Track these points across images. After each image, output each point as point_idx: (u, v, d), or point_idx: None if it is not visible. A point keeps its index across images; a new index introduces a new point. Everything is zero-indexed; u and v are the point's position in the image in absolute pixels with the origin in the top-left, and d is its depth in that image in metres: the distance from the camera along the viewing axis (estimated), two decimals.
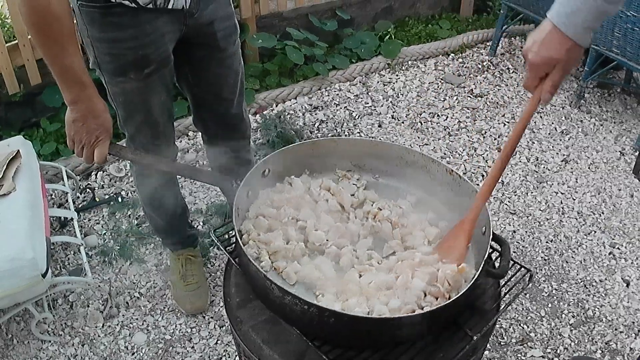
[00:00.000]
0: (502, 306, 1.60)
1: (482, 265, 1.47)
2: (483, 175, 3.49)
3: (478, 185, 3.36)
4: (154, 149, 2.28)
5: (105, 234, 3.11)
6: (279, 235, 1.66)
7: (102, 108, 1.81)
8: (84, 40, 1.99)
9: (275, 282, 1.42)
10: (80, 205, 3.26)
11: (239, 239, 1.56)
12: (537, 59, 1.44)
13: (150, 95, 2.12)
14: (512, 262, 1.68)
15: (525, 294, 2.80)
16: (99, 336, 2.64)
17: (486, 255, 1.51)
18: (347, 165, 1.92)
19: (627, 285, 2.86)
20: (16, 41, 3.25)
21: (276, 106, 4.07)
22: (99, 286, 2.79)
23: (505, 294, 1.64)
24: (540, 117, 3.99)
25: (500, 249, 1.64)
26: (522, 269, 1.71)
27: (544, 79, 1.48)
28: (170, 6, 1.93)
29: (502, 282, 1.67)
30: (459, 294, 1.43)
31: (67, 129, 1.81)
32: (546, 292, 2.82)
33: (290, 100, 4.13)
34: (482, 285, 1.64)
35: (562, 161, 3.62)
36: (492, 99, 4.16)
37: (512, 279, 1.67)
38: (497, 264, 1.67)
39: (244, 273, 1.61)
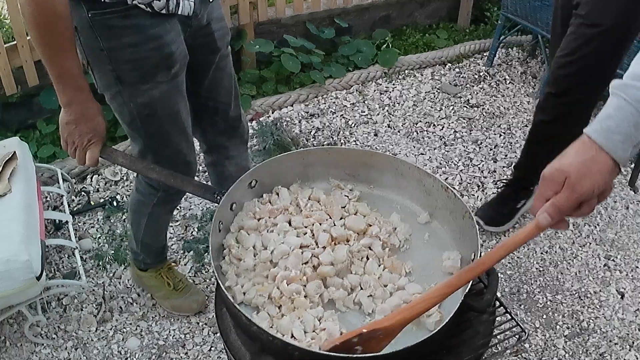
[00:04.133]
0: (479, 358, 1.55)
1: (457, 307, 1.42)
2: (478, 186, 3.49)
3: (473, 195, 3.37)
4: (186, 163, 2.21)
5: (99, 237, 3.09)
6: (250, 252, 1.64)
7: (95, 111, 1.82)
8: (95, 58, 1.88)
9: (243, 312, 1.41)
10: (75, 209, 3.24)
11: (212, 258, 1.55)
12: (547, 170, 1.17)
13: (178, 99, 2.05)
14: (510, 317, 1.64)
15: (520, 305, 2.81)
16: (92, 340, 2.62)
17: (468, 287, 1.45)
18: (341, 174, 1.88)
19: (622, 297, 2.87)
20: (15, 42, 3.24)
21: (272, 113, 4.07)
22: (93, 290, 2.78)
23: (492, 346, 1.59)
24: None
25: (487, 280, 1.59)
26: (517, 326, 1.64)
27: None
28: (179, 12, 1.89)
29: (494, 331, 1.62)
30: (432, 333, 1.40)
31: (61, 130, 1.83)
32: (541, 304, 2.82)
33: (286, 107, 4.13)
34: (469, 332, 1.59)
35: None
36: (488, 109, 4.17)
37: (506, 332, 1.63)
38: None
39: (217, 292, 1.62)
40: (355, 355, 1.35)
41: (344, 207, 1.80)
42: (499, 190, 3.30)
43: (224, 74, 2.26)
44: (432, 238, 1.75)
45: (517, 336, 1.59)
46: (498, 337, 1.62)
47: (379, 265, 1.65)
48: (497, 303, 1.63)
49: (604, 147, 1.10)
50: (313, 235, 1.69)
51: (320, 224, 1.72)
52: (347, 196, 1.85)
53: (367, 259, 1.66)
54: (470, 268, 1.33)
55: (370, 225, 1.74)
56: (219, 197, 1.66)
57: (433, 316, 1.50)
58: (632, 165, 3.58)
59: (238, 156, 2.50)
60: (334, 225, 1.73)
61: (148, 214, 2.41)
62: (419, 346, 1.36)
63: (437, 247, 1.71)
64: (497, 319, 1.64)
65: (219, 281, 1.49)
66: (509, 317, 1.63)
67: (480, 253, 1.51)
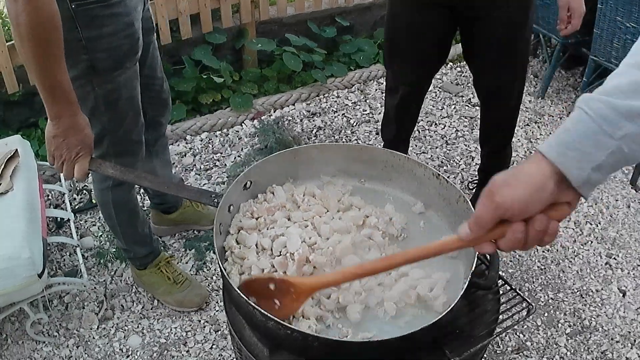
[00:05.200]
0: (492, 335, 1.57)
1: (464, 287, 1.43)
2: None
3: (468, 192, 3.37)
4: (139, 142, 2.33)
5: (101, 235, 3.09)
6: (253, 251, 1.64)
7: (83, 124, 1.79)
8: (70, 48, 1.84)
9: (257, 307, 1.40)
10: (76, 207, 3.25)
11: (218, 259, 1.54)
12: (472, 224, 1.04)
13: (136, 82, 2.18)
14: (515, 293, 1.66)
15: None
16: (93, 338, 2.62)
17: (474, 266, 1.47)
18: (331, 171, 1.89)
19: (623, 295, 2.86)
20: None
21: (274, 112, 4.07)
22: (95, 288, 2.78)
23: (501, 322, 1.61)
24: (538, 127, 4.00)
25: (488, 259, 1.61)
26: (524, 301, 1.66)
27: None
28: None
29: (501, 308, 1.64)
30: (444, 312, 1.40)
31: (48, 144, 1.80)
32: (542, 302, 2.82)
33: (288, 106, 4.13)
34: (478, 310, 1.61)
35: None
36: None
37: (512, 308, 1.65)
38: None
39: (227, 293, 1.61)
40: (370, 340, 1.40)
41: (339, 201, 1.81)
42: (474, 192, 3.33)
43: (157, 52, 2.42)
44: (428, 225, 1.76)
45: (526, 309, 1.61)
46: (507, 312, 1.64)
47: (381, 254, 1.65)
48: (501, 281, 1.66)
49: (555, 162, 0.94)
50: (314, 227, 1.69)
51: (320, 217, 1.72)
52: (340, 190, 1.86)
53: (369, 249, 1.66)
54: (384, 258, 1.34)
55: (368, 217, 1.74)
56: (216, 200, 1.66)
57: (440, 298, 1.51)
58: (634, 165, 3.58)
59: (164, 136, 2.70)
60: (333, 218, 1.73)
61: (112, 200, 2.45)
62: (432, 327, 1.37)
63: (434, 234, 1.72)
64: (502, 297, 1.67)
65: (229, 282, 1.48)
66: (515, 293, 1.65)
67: None
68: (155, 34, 2.40)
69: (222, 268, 1.54)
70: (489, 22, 2.53)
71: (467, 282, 1.43)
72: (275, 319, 1.38)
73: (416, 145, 3.79)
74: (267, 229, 1.69)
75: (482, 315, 1.60)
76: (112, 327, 2.67)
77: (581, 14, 2.65)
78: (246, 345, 1.56)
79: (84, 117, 1.80)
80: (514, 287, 1.66)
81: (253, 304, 1.40)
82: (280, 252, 1.62)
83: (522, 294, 1.66)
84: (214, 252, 2.91)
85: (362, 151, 1.87)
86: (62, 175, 3.07)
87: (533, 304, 1.60)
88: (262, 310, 1.39)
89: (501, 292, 1.66)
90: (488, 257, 1.62)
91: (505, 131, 3.01)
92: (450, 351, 1.47)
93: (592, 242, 3.15)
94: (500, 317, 1.64)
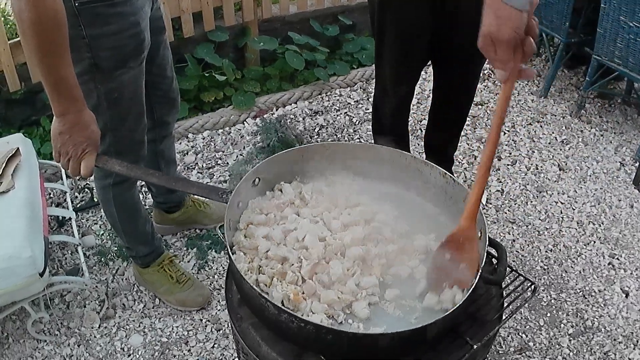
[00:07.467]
0: (504, 317, 1.59)
1: (479, 274, 1.45)
2: None
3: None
4: (141, 142, 2.32)
5: (102, 234, 3.09)
6: (263, 241, 1.65)
7: (89, 120, 1.78)
8: (72, 46, 1.82)
9: (271, 300, 1.40)
10: (78, 205, 3.24)
11: (230, 254, 1.54)
12: (479, 43, 1.36)
13: (141, 82, 2.17)
14: (517, 274, 1.68)
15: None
16: (95, 337, 2.62)
17: (483, 262, 1.49)
18: (339, 169, 1.90)
19: (626, 296, 2.85)
20: (18, 38, 3.23)
21: (276, 110, 4.06)
22: (96, 287, 2.77)
23: (508, 305, 1.63)
24: (541, 126, 3.99)
25: (496, 254, 1.63)
26: (527, 281, 1.69)
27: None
28: None
29: (504, 292, 1.67)
30: (457, 305, 1.41)
31: (53, 141, 1.78)
32: (545, 302, 2.81)
33: (290, 104, 4.12)
34: (484, 296, 1.63)
35: (561, 170, 3.62)
36: (492, 107, 4.16)
37: (516, 290, 1.66)
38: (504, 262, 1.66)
39: (238, 288, 1.61)
40: (391, 332, 1.39)
41: (346, 199, 1.81)
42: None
43: (168, 52, 2.43)
44: (434, 223, 1.77)
45: (531, 288, 1.64)
46: (512, 294, 1.68)
47: (387, 247, 1.66)
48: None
49: (515, 6, 1.29)
50: (324, 223, 1.70)
51: (329, 212, 1.73)
52: (347, 189, 1.86)
53: (377, 242, 1.67)
54: (490, 140, 1.48)
55: (376, 213, 1.75)
56: (225, 197, 1.66)
57: (447, 293, 1.53)
58: (637, 165, 3.57)
59: (171, 135, 2.70)
60: (342, 214, 1.74)
61: (113, 198, 2.44)
62: (444, 320, 1.39)
63: (440, 231, 1.72)
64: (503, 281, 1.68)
65: (242, 275, 1.48)
66: (516, 274, 1.69)
67: (487, 232, 1.55)
68: (166, 33, 2.39)
69: (232, 259, 1.53)
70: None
71: (477, 277, 1.44)
72: (289, 311, 1.38)
73: (418, 144, 3.78)
74: (278, 225, 1.70)
75: (489, 300, 1.62)
76: (114, 326, 2.67)
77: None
78: (244, 339, 1.56)
79: (90, 114, 1.78)
80: (515, 269, 1.69)
81: (266, 297, 1.40)
82: (295, 246, 1.63)
83: (523, 274, 1.70)
84: (217, 252, 2.97)
85: (369, 150, 1.88)
86: (65, 172, 3.11)
87: (535, 282, 1.64)
88: (275, 303, 1.39)
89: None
90: (496, 252, 1.63)
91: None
92: (471, 338, 1.49)
93: (595, 242, 3.14)
94: (507, 299, 1.67)
